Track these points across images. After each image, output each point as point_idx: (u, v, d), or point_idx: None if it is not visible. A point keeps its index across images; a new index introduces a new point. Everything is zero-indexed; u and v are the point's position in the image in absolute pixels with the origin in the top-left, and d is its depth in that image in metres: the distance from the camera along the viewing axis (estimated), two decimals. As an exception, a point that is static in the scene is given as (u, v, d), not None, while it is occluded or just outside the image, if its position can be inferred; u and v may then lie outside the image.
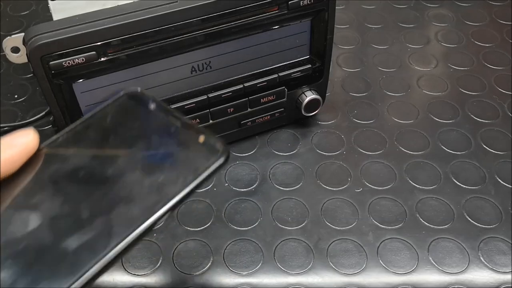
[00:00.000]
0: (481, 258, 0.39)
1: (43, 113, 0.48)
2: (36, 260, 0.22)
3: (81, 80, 0.36)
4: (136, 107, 0.28)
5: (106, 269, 0.21)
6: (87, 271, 0.21)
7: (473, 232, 0.40)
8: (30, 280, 0.21)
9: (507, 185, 0.44)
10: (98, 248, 0.22)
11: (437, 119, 0.49)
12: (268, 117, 0.46)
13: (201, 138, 0.26)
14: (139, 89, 0.29)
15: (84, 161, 0.26)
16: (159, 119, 0.28)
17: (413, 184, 0.44)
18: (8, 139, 0.25)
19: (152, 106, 0.28)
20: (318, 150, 0.46)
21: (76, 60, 0.34)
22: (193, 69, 0.40)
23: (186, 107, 0.40)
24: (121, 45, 0.35)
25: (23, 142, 0.25)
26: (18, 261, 0.21)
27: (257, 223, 0.41)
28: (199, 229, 0.40)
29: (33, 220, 0.23)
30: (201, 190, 0.43)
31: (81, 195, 0.24)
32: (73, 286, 0.21)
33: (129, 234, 0.22)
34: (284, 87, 0.44)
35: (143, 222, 0.23)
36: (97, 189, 0.24)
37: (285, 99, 0.45)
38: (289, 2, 0.39)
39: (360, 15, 0.61)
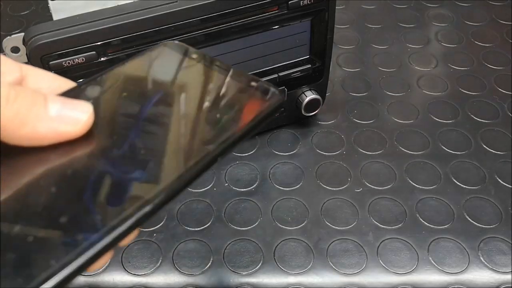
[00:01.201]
0: (481, 258, 0.39)
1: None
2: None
3: (81, 80, 0.36)
4: (179, 57, 0.27)
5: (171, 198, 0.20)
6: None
7: (473, 232, 0.40)
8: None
9: (507, 185, 0.44)
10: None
11: (437, 119, 0.49)
12: (268, 117, 0.46)
13: (254, 83, 0.26)
14: (176, 42, 0.28)
15: (129, 102, 0.24)
16: (206, 68, 0.27)
17: (413, 184, 0.44)
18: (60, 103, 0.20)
19: (195, 56, 0.27)
20: (318, 150, 0.46)
21: (76, 60, 0.34)
22: (193, 69, 0.40)
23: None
24: (121, 45, 0.35)
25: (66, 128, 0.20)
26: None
27: (257, 223, 0.41)
28: (199, 229, 0.40)
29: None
30: (201, 190, 0.43)
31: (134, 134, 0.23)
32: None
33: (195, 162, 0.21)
34: (284, 87, 0.44)
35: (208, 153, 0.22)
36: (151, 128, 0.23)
37: (285, 99, 0.45)
38: (289, 2, 0.39)
39: (360, 15, 0.61)
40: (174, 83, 0.26)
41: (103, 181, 0.20)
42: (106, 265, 0.38)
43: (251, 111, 0.24)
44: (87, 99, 0.22)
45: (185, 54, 0.27)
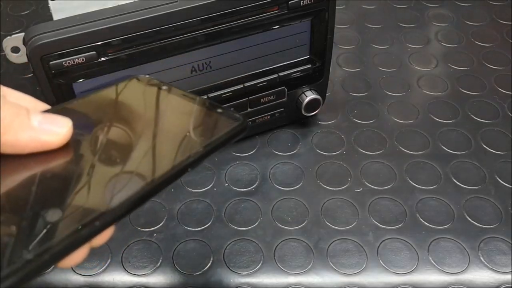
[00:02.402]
0: (481, 258, 0.39)
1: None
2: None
3: (81, 80, 0.36)
4: (146, 89, 0.29)
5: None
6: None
7: (473, 232, 0.40)
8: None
9: (507, 185, 0.44)
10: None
11: (437, 119, 0.49)
12: (268, 117, 0.46)
13: (220, 110, 0.28)
14: (147, 76, 0.30)
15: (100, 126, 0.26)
16: (173, 99, 0.29)
17: (413, 184, 0.44)
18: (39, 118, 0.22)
19: (164, 87, 0.29)
20: (318, 150, 0.46)
21: (76, 60, 0.34)
22: (193, 69, 0.40)
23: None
24: (121, 45, 0.35)
25: (47, 139, 0.22)
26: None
27: (257, 223, 0.41)
28: (199, 229, 0.40)
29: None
30: (201, 190, 0.43)
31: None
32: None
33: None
34: (284, 87, 0.44)
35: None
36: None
37: (285, 99, 0.45)
38: (289, 2, 0.39)
39: (360, 15, 0.61)
40: (142, 109, 0.28)
41: (66, 191, 0.22)
42: (107, 265, 0.38)
43: (213, 133, 0.26)
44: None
45: (154, 85, 0.30)
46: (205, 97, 0.31)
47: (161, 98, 0.29)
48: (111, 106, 0.28)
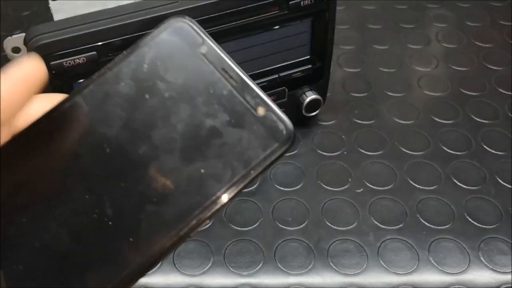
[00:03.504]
0: (482, 258, 0.39)
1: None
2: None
3: (81, 80, 0.36)
4: (178, 51, 0.21)
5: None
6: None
7: (474, 232, 0.40)
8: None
9: (507, 185, 0.44)
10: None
11: (437, 119, 0.49)
12: (269, 117, 0.46)
13: (261, 111, 0.20)
14: (186, 18, 0.22)
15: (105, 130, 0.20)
16: (207, 73, 0.21)
17: (414, 184, 0.44)
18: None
19: (203, 50, 0.21)
20: (318, 151, 0.46)
21: (77, 60, 0.34)
22: (194, 69, 0.40)
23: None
24: (122, 45, 0.35)
25: (19, 75, 0.20)
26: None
27: (257, 223, 0.41)
28: (199, 229, 0.40)
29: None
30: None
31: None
32: None
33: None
34: (284, 87, 0.44)
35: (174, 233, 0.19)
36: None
37: (285, 99, 0.45)
38: (290, 2, 0.39)
39: (361, 16, 0.61)
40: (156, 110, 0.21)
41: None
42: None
43: (244, 164, 0.19)
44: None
45: (188, 46, 0.22)
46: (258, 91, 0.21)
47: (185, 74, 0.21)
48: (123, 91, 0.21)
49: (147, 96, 0.21)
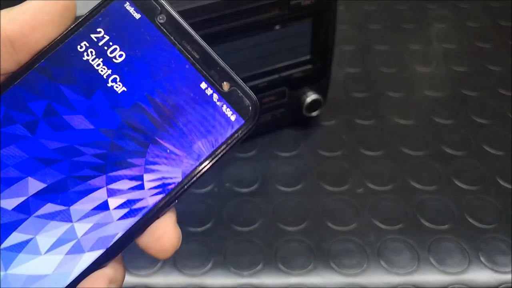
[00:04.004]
0: (481, 258, 0.39)
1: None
2: None
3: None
4: (134, 21, 0.20)
5: None
6: None
7: (473, 232, 0.41)
8: None
9: (507, 185, 0.44)
10: None
11: (437, 119, 0.49)
12: (269, 117, 0.46)
13: (226, 86, 0.20)
14: None
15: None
16: (167, 45, 0.20)
17: (414, 184, 0.44)
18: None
19: (162, 19, 0.20)
20: (319, 151, 0.46)
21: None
22: (195, 69, 0.40)
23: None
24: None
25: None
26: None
27: (258, 224, 0.41)
28: (200, 229, 0.40)
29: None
30: (202, 191, 0.43)
31: None
32: None
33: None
34: (285, 87, 0.44)
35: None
36: None
37: (286, 99, 0.45)
38: (291, 3, 0.39)
39: (361, 16, 0.61)
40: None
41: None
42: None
43: (206, 143, 0.19)
44: None
45: (147, 16, 0.20)
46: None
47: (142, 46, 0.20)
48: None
49: (102, 70, 0.20)
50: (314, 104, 0.46)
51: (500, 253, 0.39)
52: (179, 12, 0.21)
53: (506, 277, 0.38)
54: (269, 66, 0.43)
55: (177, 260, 0.38)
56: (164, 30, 0.20)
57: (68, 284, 0.19)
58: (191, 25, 0.20)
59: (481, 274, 0.38)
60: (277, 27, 0.40)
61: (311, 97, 0.45)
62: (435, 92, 0.52)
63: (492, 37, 0.59)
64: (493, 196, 0.43)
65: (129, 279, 0.38)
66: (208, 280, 0.38)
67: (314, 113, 0.47)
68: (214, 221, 0.41)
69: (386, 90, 0.52)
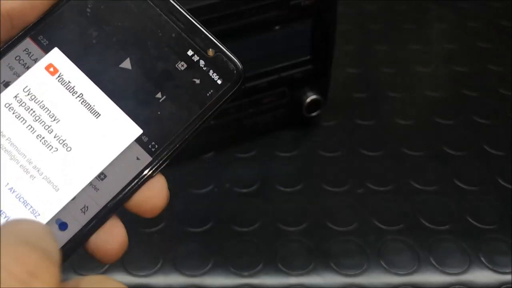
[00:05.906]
0: (482, 258, 0.39)
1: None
2: None
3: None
4: None
5: None
6: None
7: (474, 232, 0.41)
8: None
9: (507, 185, 0.44)
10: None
11: (437, 119, 0.49)
12: (269, 117, 0.46)
13: (211, 52, 0.21)
14: None
15: None
16: (154, 16, 0.21)
17: (414, 184, 0.44)
18: None
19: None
20: (319, 151, 0.46)
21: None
22: (194, 69, 0.40)
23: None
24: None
25: None
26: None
27: (258, 224, 0.41)
28: (200, 230, 0.40)
29: None
30: (202, 191, 0.43)
31: None
32: None
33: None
34: (285, 87, 0.44)
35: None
36: None
37: (286, 99, 0.45)
38: (291, 3, 0.39)
39: (361, 16, 0.61)
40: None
41: None
42: (107, 265, 0.38)
43: (193, 105, 0.20)
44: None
45: None
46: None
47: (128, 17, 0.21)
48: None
49: (93, 41, 0.21)
50: (314, 104, 0.46)
51: (500, 253, 0.39)
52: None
53: (506, 278, 0.38)
54: (269, 66, 0.43)
55: (177, 260, 0.38)
56: (152, 4, 0.21)
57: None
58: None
59: (481, 275, 0.38)
60: (277, 27, 0.40)
61: (311, 97, 0.45)
62: (435, 92, 0.52)
63: (492, 37, 0.59)
64: (494, 196, 0.43)
65: (129, 279, 0.38)
66: (208, 280, 0.38)
67: (314, 113, 0.47)
68: (214, 221, 0.41)
69: (386, 90, 0.52)
